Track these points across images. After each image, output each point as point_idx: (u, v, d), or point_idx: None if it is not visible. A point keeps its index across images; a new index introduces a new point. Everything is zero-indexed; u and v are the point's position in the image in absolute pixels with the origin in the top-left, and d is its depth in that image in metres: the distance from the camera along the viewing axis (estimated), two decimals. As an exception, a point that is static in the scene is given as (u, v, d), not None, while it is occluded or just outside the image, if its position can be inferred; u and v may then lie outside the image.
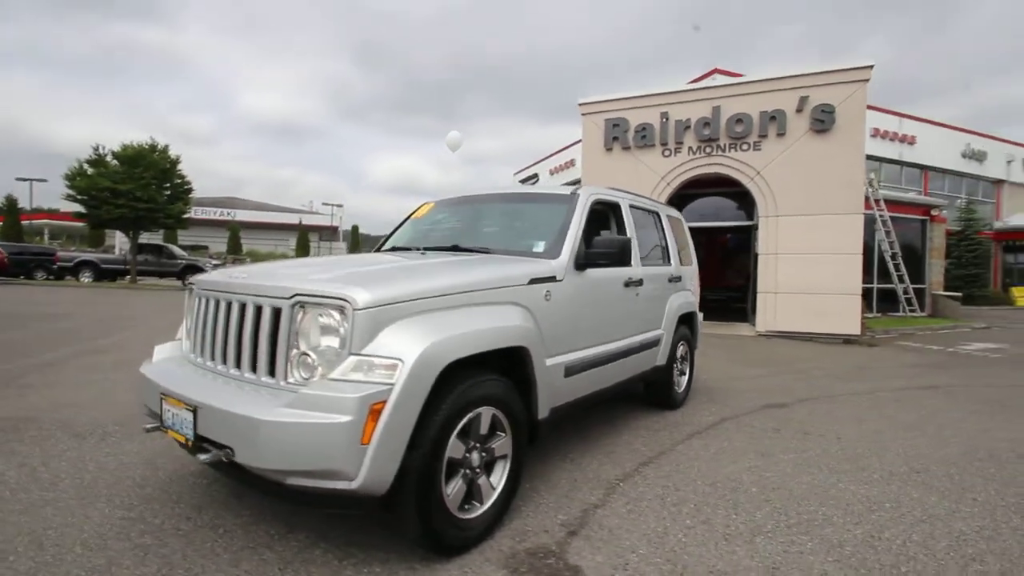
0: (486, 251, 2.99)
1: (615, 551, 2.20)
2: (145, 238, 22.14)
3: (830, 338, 9.73)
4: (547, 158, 34.78)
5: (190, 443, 2.00)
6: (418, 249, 3.24)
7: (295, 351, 1.98)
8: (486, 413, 2.21)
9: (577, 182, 30.99)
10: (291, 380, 1.97)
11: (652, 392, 4.36)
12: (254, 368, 2.07)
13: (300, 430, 1.75)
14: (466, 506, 2.16)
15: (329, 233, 47.37)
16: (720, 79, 18.42)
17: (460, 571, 2.03)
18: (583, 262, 2.97)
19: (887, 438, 3.88)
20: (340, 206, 49.24)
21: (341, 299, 1.90)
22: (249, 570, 1.98)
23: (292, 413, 1.78)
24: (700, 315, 5.03)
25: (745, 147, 10.44)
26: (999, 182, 24.35)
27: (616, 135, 11.51)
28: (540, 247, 3.00)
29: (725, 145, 10.59)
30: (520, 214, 3.47)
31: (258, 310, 2.08)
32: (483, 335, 2.18)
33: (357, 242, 37.19)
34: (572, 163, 30.72)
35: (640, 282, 3.66)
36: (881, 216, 13.73)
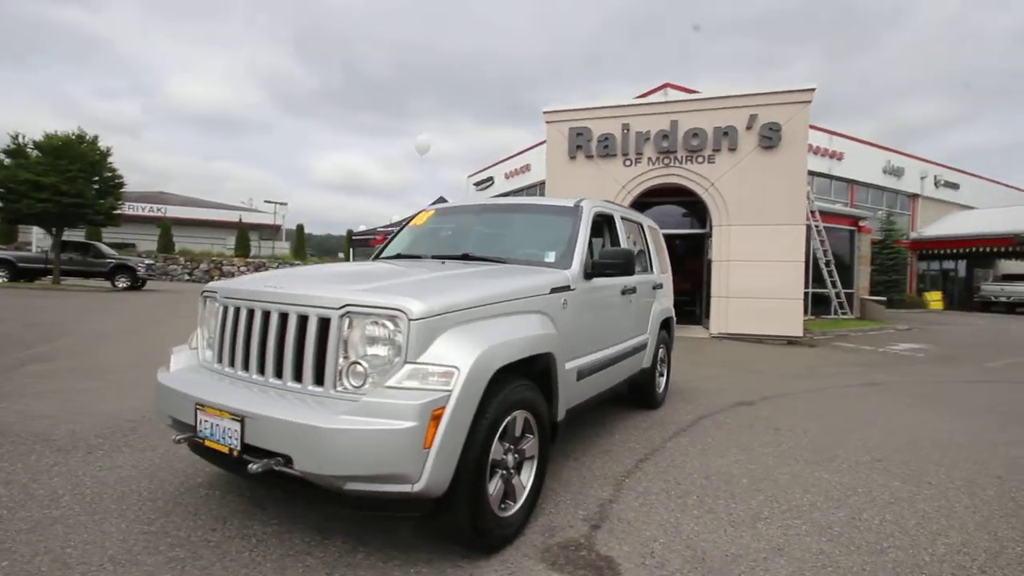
0: (501, 261, 3.11)
1: (638, 541, 2.38)
2: (67, 235, 20.45)
3: (776, 339, 10.47)
4: (502, 162, 35.02)
5: (235, 452, 2.00)
6: (430, 257, 3.30)
7: (345, 360, 2.02)
8: (519, 416, 2.33)
9: (533, 187, 31.48)
10: (341, 389, 2.01)
11: (636, 393, 4.60)
12: (298, 378, 2.10)
13: (365, 436, 1.81)
14: (503, 505, 2.27)
15: (271, 232, 45.47)
16: (673, 94, 19.35)
17: (502, 566, 2.14)
18: (590, 272, 3.15)
19: (846, 431, 4.30)
20: (284, 204, 47.37)
21: (397, 309, 1.97)
22: (276, 565, 2.01)
23: (356, 420, 1.83)
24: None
25: (700, 160, 11.05)
26: (914, 196, 26.88)
27: (580, 143, 11.86)
28: (551, 257, 3.15)
29: (682, 157, 11.17)
30: (526, 224, 3.61)
31: (302, 320, 2.11)
32: (523, 343, 2.31)
33: (302, 243, 35.76)
34: (528, 168, 31.11)
35: (634, 290, 3.89)
36: (816, 226, 14.86)
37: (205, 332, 2.58)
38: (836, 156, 23.51)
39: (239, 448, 1.99)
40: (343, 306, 2.04)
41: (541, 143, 30.00)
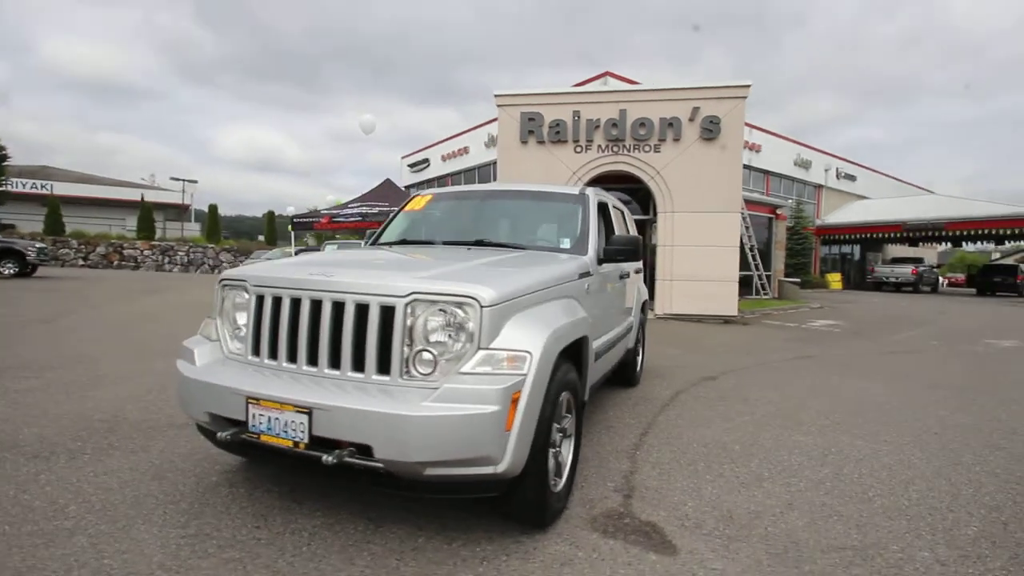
0: (519, 247, 3.16)
1: (670, 506, 2.59)
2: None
3: (714, 319, 11.29)
4: (438, 144, 34.38)
5: (302, 446, 1.95)
6: (441, 243, 3.28)
7: (410, 348, 2.02)
8: (565, 397, 2.44)
9: (471, 170, 31.20)
10: (408, 377, 2.01)
11: (620, 371, 4.85)
12: (359, 367, 2.06)
13: (451, 422, 1.84)
14: (553, 481, 2.38)
15: (178, 212, 41.81)
16: (614, 83, 19.90)
17: (559, 538, 2.26)
18: (602, 258, 3.29)
19: (801, 399, 4.81)
20: (194, 182, 43.57)
21: (470, 297, 1.99)
22: (368, 565, 2.01)
23: (441, 407, 1.86)
24: None
25: (647, 149, 11.54)
26: (820, 187, 29.63)
27: (531, 128, 11.96)
28: (567, 243, 3.26)
29: (630, 146, 11.61)
30: (534, 211, 3.67)
31: (361, 308, 2.07)
32: (572, 327, 2.40)
33: (216, 224, 33.10)
34: (466, 150, 30.81)
35: (628, 274, 4.10)
36: (743, 214, 16.05)
37: (227, 323, 2.45)
38: (755, 148, 25.35)
39: (306, 441, 1.94)
40: (409, 294, 2.02)
41: (479, 126, 29.90)
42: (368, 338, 2.05)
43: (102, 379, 4.66)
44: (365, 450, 1.90)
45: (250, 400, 2.04)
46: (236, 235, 46.48)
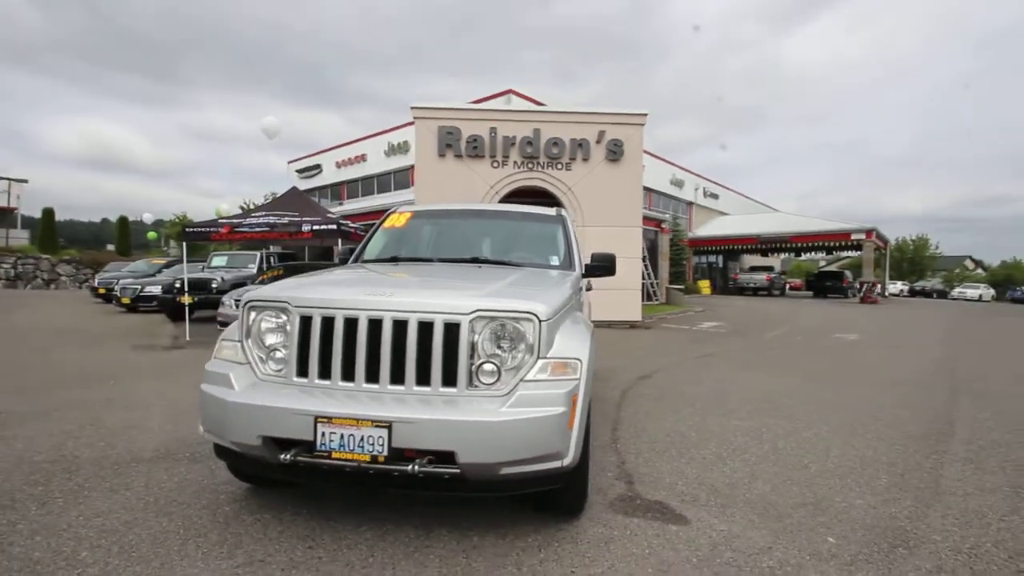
0: (516, 264, 3.42)
1: (666, 486, 3.01)
2: None
3: (621, 324, 12.34)
4: (331, 149, 33.00)
5: (381, 459, 2.04)
6: (438, 260, 3.42)
7: (475, 360, 2.21)
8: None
9: (369, 178, 30.32)
10: (473, 387, 2.19)
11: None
12: (425, 381, 2.19)
13: (527, 424, 2.07)
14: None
15: (1, 216, 35.20)
16: (517, 101, 20.76)
17: (591, 522, 2.56)
18: (584, 273, 3.67)
19: (723, 391, 5.62)
20: (23, 181, 36.89)
21: (530, 313, 2.23)
22: (440, 566, 2.14)
23: (517, 411, 2.07)
24: None
25: (560, 166, 12.34)
26: (691, 203, 33.36)
27: (449, 142, 12.17)
28: (555, 260, 3.59)
29: (544, 163, 12.32)
30: (519, 230, 3.94)
31: (424, 326, 2.21)
32: (590, 335, 2.72)
33: (52, 231, 28.34)
34: (364, 158, 29.97)
35: (589, 286, 4.53)
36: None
37: (257, 345, 2.41)
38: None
39: (386, 454, 2.04)
40: (473, 311, 2.21)
41: (378, 134, 29.27)
42: (433, 353, 2.19)
43: (9, 417, 4.03)
44: (445, 457, 2.05)
45: (320, 419, 2.08)
46: (73, 243, 39.99)
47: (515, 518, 2.56)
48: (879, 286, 26.66)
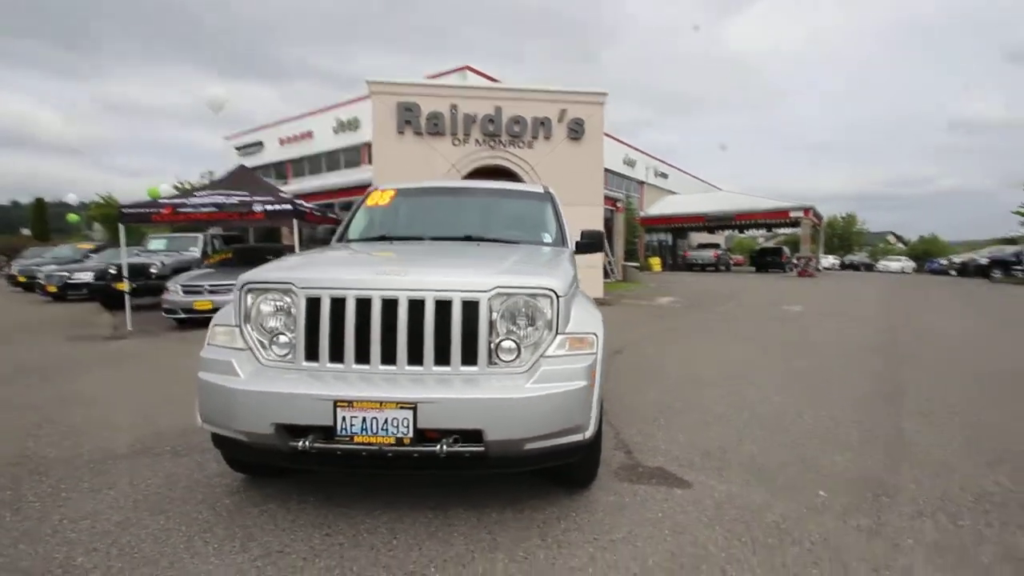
0: (510, 242, 3.39)
1: (663, 453, 3.13)
2: None
3: (584, 301, 12.58)
4: (274, 125, 31.36)
5: (406, 440, 2.00)
6: (430, 239, 3.33)
7: (495, 338, 2.19)
8: None
9: (318, 156, 29.06)
10: (493, 364, 2.18)
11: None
12: (444, 360, 2.15)
13: (552, 399, 2.08)
14: (594, 444, 2.73)
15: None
16: (472, 77, 20.34)
17: (602, 491, 2.63)
18: (576, 249, 3.69)
19: (692, 361, 5.87)
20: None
21: (548, 289, 2.23)
22: (466, 543, 2.15)
23: (542, 387, 2.08)
24: None
25: (522, 145, 12.26)
26: (642, 183, 34.10)
27: (408, 119, 11.81)
28: (548, 238, 3.58)
29: (506, 141, 12.20)
30: (509, 207, 3.88)
31: (441, 305, 2.16)
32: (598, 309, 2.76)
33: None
34: (310, 135, 28.68)
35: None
36: (594, 206, 17.93)
37: (257, 329, 2.28)
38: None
39: (411, 436, 2.00)
40: (493, 288, 2.18)
41: (326, 109, 28.02)
42: (452, 332, 2.15)
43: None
44: (471, 435, 2.03)
45: (339, 403, 2.01)
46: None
47: (527, 492, 2.59)
48: (815, 261, 28.41)
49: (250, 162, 31.38)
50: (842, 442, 3.36)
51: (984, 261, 25.59)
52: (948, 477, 2.84)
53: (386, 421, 2.00)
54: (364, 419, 2.01)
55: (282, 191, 12.37)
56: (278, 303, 2.27)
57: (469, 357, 2.17)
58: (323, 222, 12.41)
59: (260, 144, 31.92)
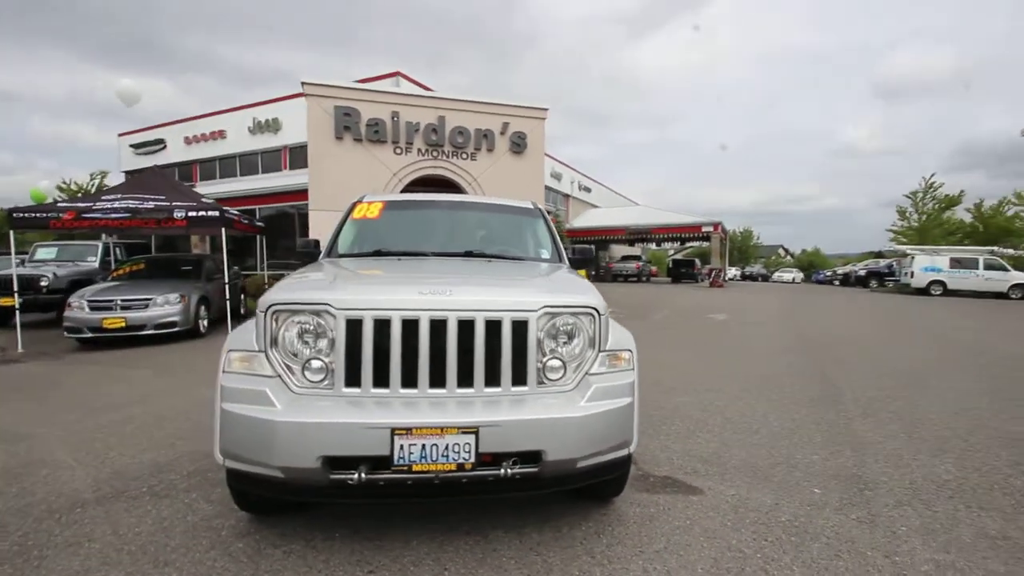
0: (514, 258, 3.39)
1: (665, 463, 3.27)
2: None
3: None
4: (179, 122, 28.83)
5: (468, 465, 1.94)
6: (432, 255, 3.25)
7: (543, 358, 2.19)
8: None
9: (231, 158, 27.11)
10: (541, 384, 2.18)
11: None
12: (494, 382, 2.12)
13: (606, 416, 2.12)
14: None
15: None
16: (405, 84, 20.00)
17: (625, 503, 2.71)
18: (569, 265, 3.77)
19: (655, 368, 6.14)
20: None
21: (592, 307, 2.28)
22: (517, 565, 2.12)
23: (596, 405, 2.11)
24: None
25: (465, 156, 12.26)
26: (567, 196, 35.23)
27: (348, 124, 11.40)
28: (545, 254, 3.63)
29: (449, 152, 12.14)
30: (502, 223, 3.86)
31: (491, 325, 2.13)
32: None
33: None
34: (222, 134, 26.64)
35: None
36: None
37: (287, 355, 2.12)
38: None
39: (473, 460, 1.95)
40: (541, 307, 2.19)
41: (241, 108, 26.21)
42: (503, 353, 2.13)
43: None
44: (531, 457, 2.02)
45: (397, 432, 1.91)
46: None
47: (556, 509, 2.61)
48: (723, 272, 30.89)
49: (150, 162, 28.55)
50: (810, 441, 3.70)
51: (863, 273, 29.25)
52: (908, 468, 3.23)
53: (447, 447, 1.94)
54: (424, 446, 1.93)
55: (204, 196, 11.40)
56: (311, 326, 2.12)
57: (519, 377, 2.16)
58: (250, 231, 11.61)
59: (162, 142, 29.12)
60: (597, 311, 2.29)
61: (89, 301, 8.33)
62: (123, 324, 8.23)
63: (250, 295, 13.49)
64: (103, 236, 15.03)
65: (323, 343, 2.11)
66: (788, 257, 74.64)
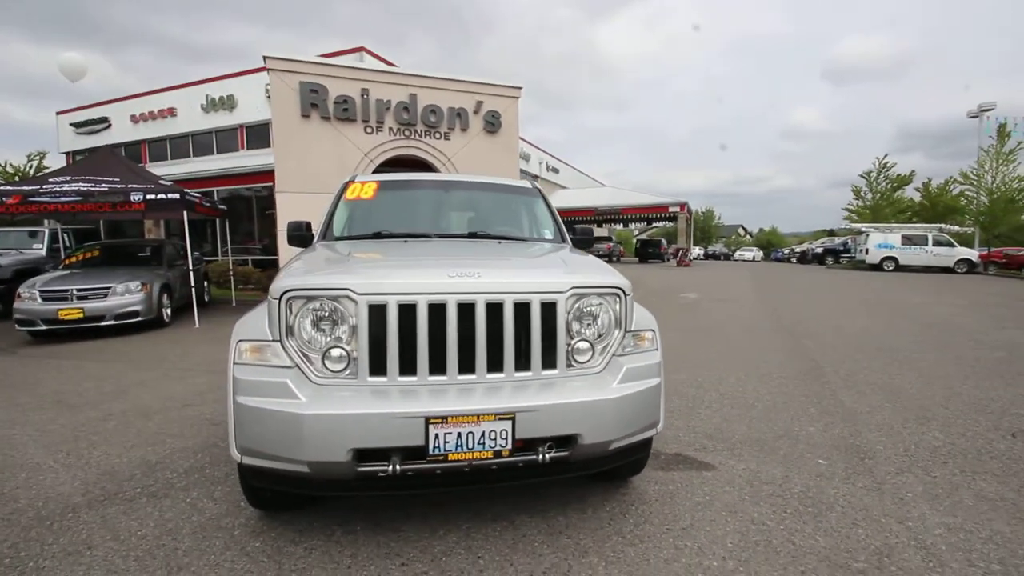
0: (517, 239, 3.31)
1: (674, 441, 3.31)
2: None
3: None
4: (124, 99, 27.07)
5: (505, 452, 1.88)
6: (436, 236, 3.13)
7: (571, 339, 2.14)
8: None
9: (183, 137, 25.74)
10: (570, 367, 2.14)
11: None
12: (525, 365, 2.06)
13: (639, 398, 2.10)
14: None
15: None
16: (369, 60, 19.27)
17: (643, 482, 2.72)
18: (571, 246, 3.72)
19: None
20: None
21: (619, 288, 2.23)
22: (554, 551, 2.09)
23: (629, 387, 2.08)
24: None
25: (438, 136, 11.95)
26: (536, 177, 35.08)
27: (315, 102, 10.90)
28: (548, 234, 3.56)
29: (422, 131, 11.80)
30: (503, 202, 3.74)
31: (520, 308, 2.06)
32: None
33: None
34: (173, 112, 25.19)
35: None
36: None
37: (303, 343, 1.99)
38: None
39: (510, 447, 1.89)
40: (569, 288, 2.13)
41: (192, 84, 24.80)
42: (532, 336, 2.07)
43: None
44: (565, 441, 1.98)
45: (432, 421, 1.83)
46: None
47: (576, 491, 2.59)
48: (689, 251, 31.60)
49: (93, 142, 26.78)
50: (805, 414, 3.82)
51: (819, 250, 30.45)
52: (899, 437, 3.37)
53: (483, 435, 1.87)
54: (459, 435, 1.86)
55: (162, 179, 10.75)
56: (329, 312, 2.00)
57: (549, 361, 2.10)
58: (212, 214, 11.06)
59: (106, 121, 27.28)
60: (623, 291, 2.25)
61: (41, 291, 7.77)
62: (80, 315, 7.73)
63: (213, 282, 12.92)
64: (46, 222, 14.05)
65: (342, 330, 2.00)
66: (748, 236, 77.08)
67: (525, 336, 2.07)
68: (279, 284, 2.02)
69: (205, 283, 11.72)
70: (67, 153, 28.44)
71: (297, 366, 1.98)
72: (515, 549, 2.11)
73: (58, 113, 28.94)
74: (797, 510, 2.44)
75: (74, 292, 7.85)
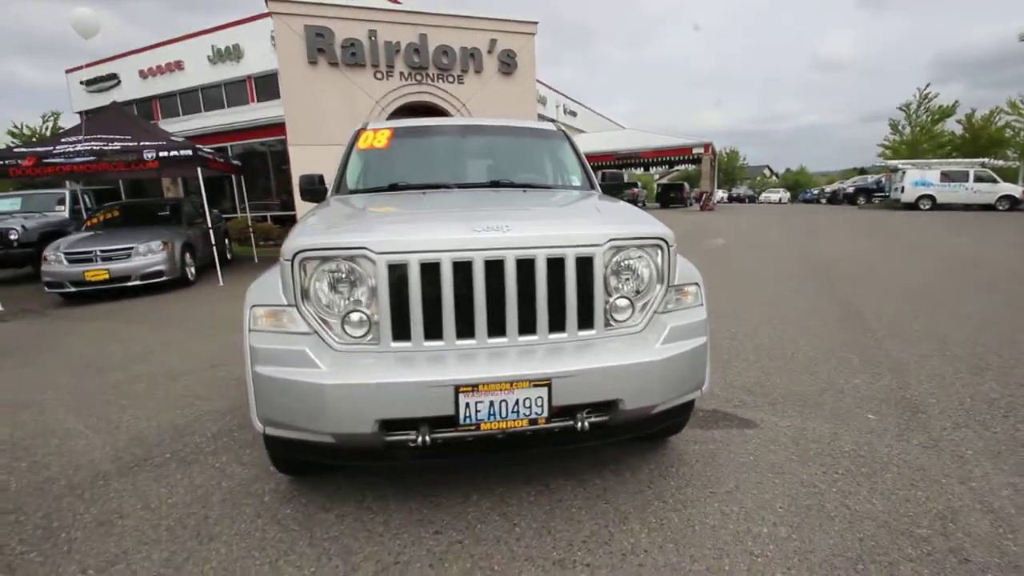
0: (543, 186, 3.08)
1: (712, 398, 3.17)
2: None
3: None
4: (131, 54, 26.46)
5: (541, 420, 1.75)
6: (456, 186, 2.92)
7: (610, 296, 1.96)
8: None
9: (192, 91, 25.29)
10: (609, 327, 1.96)
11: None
12: (559, 326, 1.90)
13: (684, 359, 1.93)
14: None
15: None
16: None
17: (684, 441, 2.60)
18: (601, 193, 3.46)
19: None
20: None
21: (661, 239, 2.02)
22: (593, 517, 2.00)
23: (673, 347, 1.91)
24: None
25: (451, 79, 11.40)
26: (553, 121, 33.78)
27: (321, 47, 10.41)
28: (576, 180, 3.31)
29: (434, 75, 11.26)
30: (527, 147, 3.49)
31: (554, 263, 1.87)
32: None
33: None
34: (180, 65, 24.63)
35: None
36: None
37: (320, 307, 1.85)
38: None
39: (546, 415, 1.76)
40: (607, 241, 1.92)
41: (197, 35, 24.09)
42: (567, 293, 1.89)
43: None
44: (605, 406, 1.84)
45: (462, 389, 1.69)
46: None
47: (610, 453, 2.49)
48: (713, 195, 30.54)
49: (105, 99, 26.47)
50: (849, 365, 3.62)
51: (851, 190, 29.12)
52: (953, 388, 3.17)
53: (517, 403, 1.74)
54: (492, 403, 1.72)
55: (174, 135, 10.56)
56: (346, 273, 1.84)
57: (585, 320, 1.93)
58: (226, 170, 10.88)
59: (116, 77, 26.85)
60: (666, 241, 2.04)
61: (66, 253, 7.83)
62: (106, 276, 7.80)
63: (234, 239, 12.95)
64: (67, 183, 14.10)
65: (360, 293, 1.84)
66: (774, 177, 74.21)
67: (559, 294, 1.89)
68: (290, 244, 1.86)
69: (227, 241, 11.73)
70: (81, 113, 28.28)
71: (315, 332, 1.84)
72: (552, 515, 2.02)
73: (67, 71, 28.61)
74: (849, 470, 2.30)
75: (98, 253, 7.89)
